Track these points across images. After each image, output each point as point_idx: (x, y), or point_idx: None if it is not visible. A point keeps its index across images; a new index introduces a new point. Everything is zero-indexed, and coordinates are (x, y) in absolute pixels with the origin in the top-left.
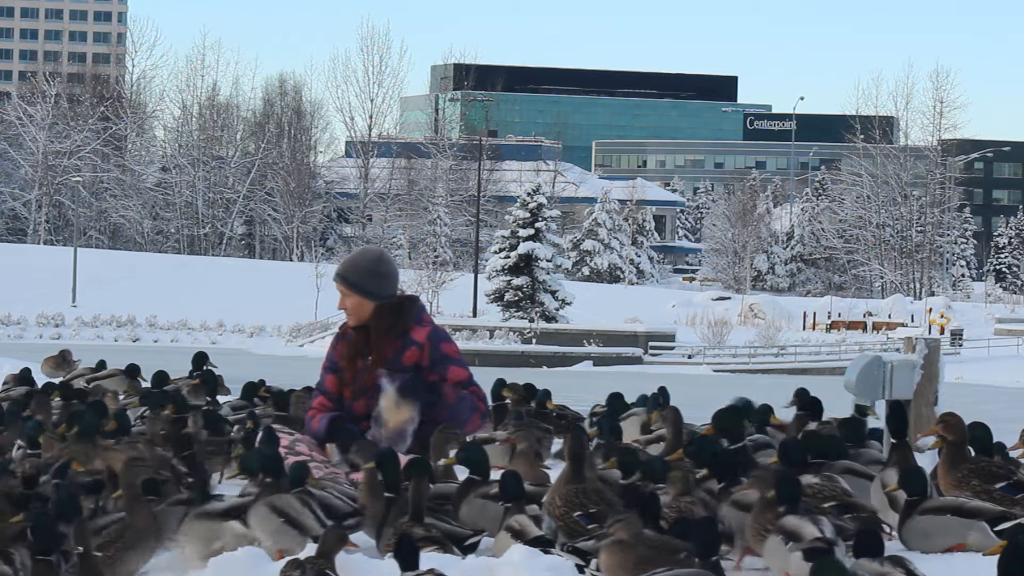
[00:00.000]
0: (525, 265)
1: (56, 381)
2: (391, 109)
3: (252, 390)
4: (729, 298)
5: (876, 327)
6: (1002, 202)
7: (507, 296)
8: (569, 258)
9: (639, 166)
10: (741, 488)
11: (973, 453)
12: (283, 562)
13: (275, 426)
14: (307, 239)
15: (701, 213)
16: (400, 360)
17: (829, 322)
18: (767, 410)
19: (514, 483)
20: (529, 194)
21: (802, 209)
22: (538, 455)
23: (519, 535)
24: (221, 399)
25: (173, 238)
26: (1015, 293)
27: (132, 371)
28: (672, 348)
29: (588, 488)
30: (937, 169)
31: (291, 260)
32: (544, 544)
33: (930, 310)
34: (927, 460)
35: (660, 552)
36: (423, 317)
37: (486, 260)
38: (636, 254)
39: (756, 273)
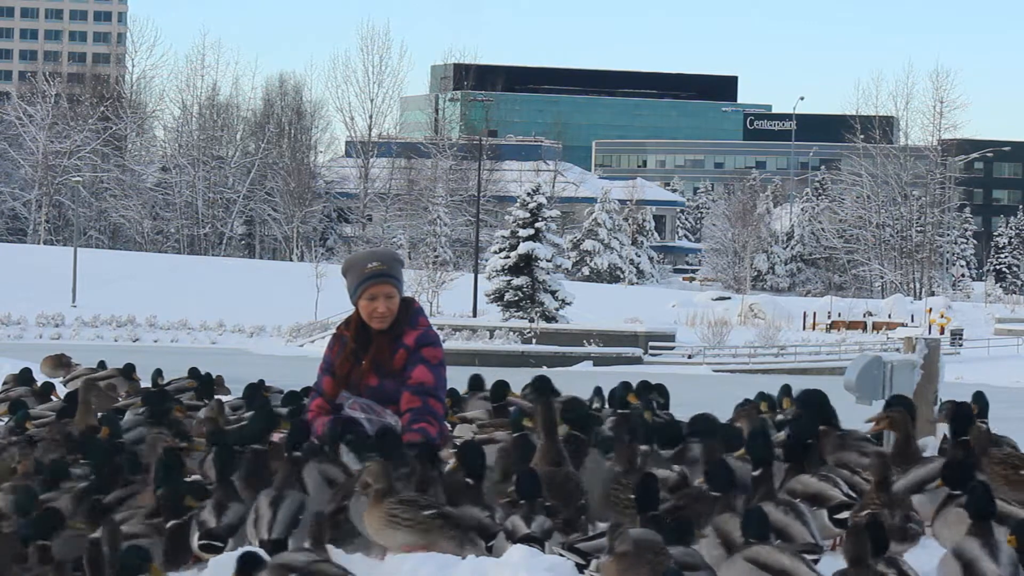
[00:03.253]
0: (525, 265)
1: (55, 381)
2: (391, 109)
3: (253, 391)
4: (729, 298)
5: (876, 327)
6: (1002, 202)
7: (507, 296)
8: (569, 258)
9: (639, 166)
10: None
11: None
12: None
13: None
14: (307, 239)
15: (701, 213)
16: (392, 363)
17: (829, 322)
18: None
19: (530, 481)
20: (529, 194)
21: (802, 209)
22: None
23: (510, 535)
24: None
25: (173, 238)
26: (1015, 293)
27: (128, 371)
28: (672, 348)
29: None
30: (937, 169)
31: (291, 260)
32: (533, 542)
33: (930, 310)
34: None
35: (668, 557)
36: (419, 320)
37: (486, 260)
38: (636, 254)
39: (756, 273)
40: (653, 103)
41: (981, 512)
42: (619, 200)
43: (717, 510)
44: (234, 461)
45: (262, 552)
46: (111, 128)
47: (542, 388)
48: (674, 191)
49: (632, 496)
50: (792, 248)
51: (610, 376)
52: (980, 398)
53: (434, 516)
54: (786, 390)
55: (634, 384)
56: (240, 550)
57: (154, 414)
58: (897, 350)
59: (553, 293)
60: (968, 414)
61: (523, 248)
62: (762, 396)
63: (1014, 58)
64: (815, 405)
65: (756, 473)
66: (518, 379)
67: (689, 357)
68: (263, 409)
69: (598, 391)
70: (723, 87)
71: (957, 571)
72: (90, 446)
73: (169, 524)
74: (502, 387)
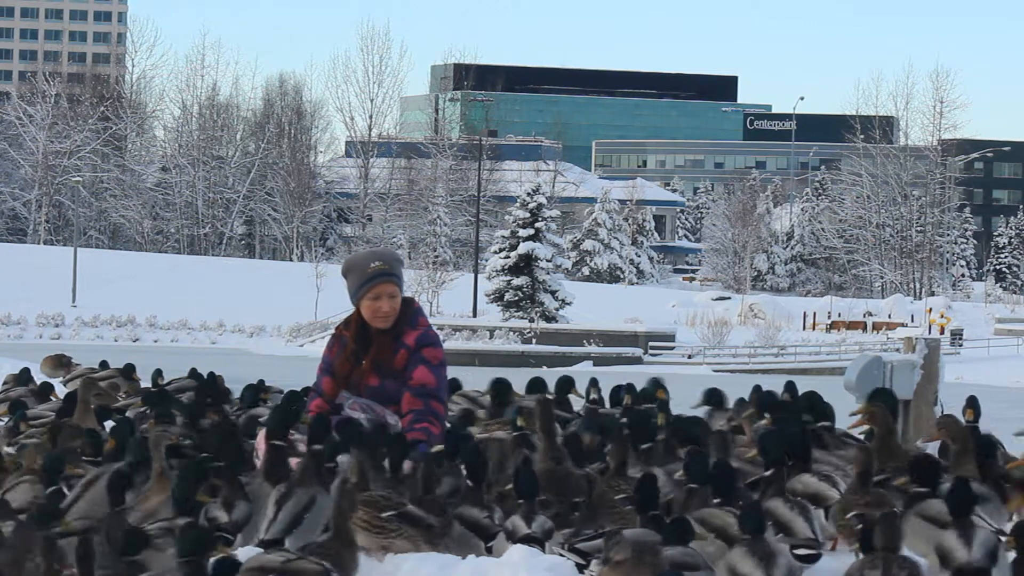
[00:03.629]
0: (525, 265)
1: (54, 381)
2: (391, 109)
3: (253, 392)
4: (729, 298)
5: (876, 327)
6: (1002, 202)
7: (507, 296)
8: (569, 258)
9: (639, 166)
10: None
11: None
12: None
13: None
14: (307, 239)
15: (701, 213)
16: (393, 363)
17: (829, 322)
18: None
19: (528, 480)
20: (529, 194)
21: (802, 209)
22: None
23: (510, 535)
24: None
25: (173, 238)
26: (1015, 293)
27: (128, 371)
28: (672, 348)
29: (559, 471)
30: (937, 169)
31: (291, 260)
32: (533, 542)
33: (930, 310)
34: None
35: (664, 561)
36: (419, 320)
37: (486, 260)
38: (636, 254)
39: (756, 273)
40: (653, 103)
41: (960, 507)
42: (619, 200)
43: (694, 504)
44: (243, 458)
45: (245, 554)
46: (111, 128)
47: (501, 391)
48: (674, 191)
49: (624, 496)
50: (792, 248)
51: (610, 376)
52: (974, 403)
53: (391, 518)
54: (757, 390)
55: (632, 384)
56: (219, 555)
57: (180, 415)
58: (897, 350)
59: (553, 293)
60: (993, 444)
61: (523, 248)
62: (757, 390)
63: (1014, 58)
64: (778, 407)
65: (768, 473)
66: (518, 379)
67: (689, 357)
68: (281, 407)
69: (594, 382)
70: (723, 87)
71: (936, 564)
72: (97, 445)
73: (183, 523)
74: (506, 387)
